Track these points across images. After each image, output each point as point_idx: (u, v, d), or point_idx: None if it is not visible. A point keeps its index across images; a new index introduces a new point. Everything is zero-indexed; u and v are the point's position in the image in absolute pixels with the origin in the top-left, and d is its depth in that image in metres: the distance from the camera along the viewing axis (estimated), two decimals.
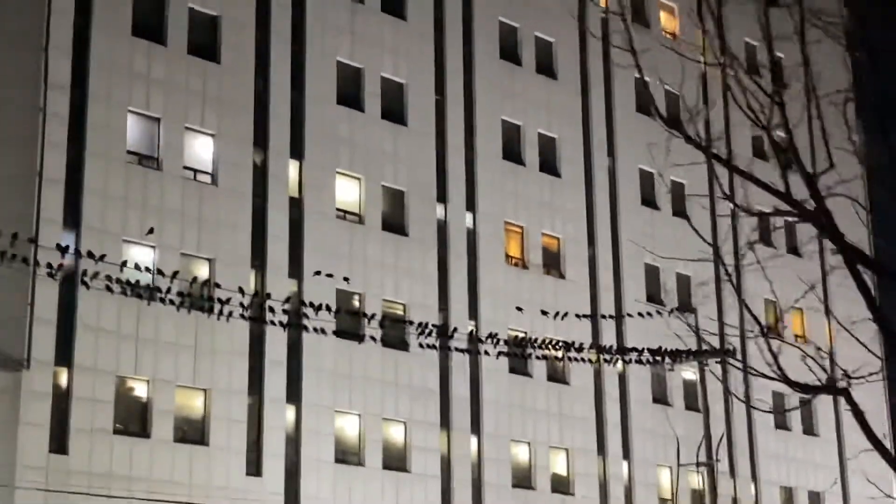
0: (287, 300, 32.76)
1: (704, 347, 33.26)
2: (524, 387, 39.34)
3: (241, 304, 29.94)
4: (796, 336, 49.50)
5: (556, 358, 27.03)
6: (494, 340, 26.51)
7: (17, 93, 30.33)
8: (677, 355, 30.93)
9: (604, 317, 40.03)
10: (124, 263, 27.71)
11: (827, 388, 15.61)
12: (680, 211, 46.45)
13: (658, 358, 29.86)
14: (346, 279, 31.21)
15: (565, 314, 26.79)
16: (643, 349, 24.34)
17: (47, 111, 30.23)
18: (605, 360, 30.25)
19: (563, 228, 42.08)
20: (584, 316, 37.30)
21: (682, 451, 32.82)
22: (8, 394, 28.50)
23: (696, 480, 43.64)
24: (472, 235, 39.32)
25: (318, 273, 28.66)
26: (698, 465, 31.94)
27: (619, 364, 42.28)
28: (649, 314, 25.02)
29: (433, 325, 21.37)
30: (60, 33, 30.89)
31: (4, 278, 26.30)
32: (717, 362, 33.99)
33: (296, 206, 34.93)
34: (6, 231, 23.47)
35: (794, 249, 50.37)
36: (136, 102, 32.20)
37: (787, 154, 14.65)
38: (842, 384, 15.20)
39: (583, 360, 25.13)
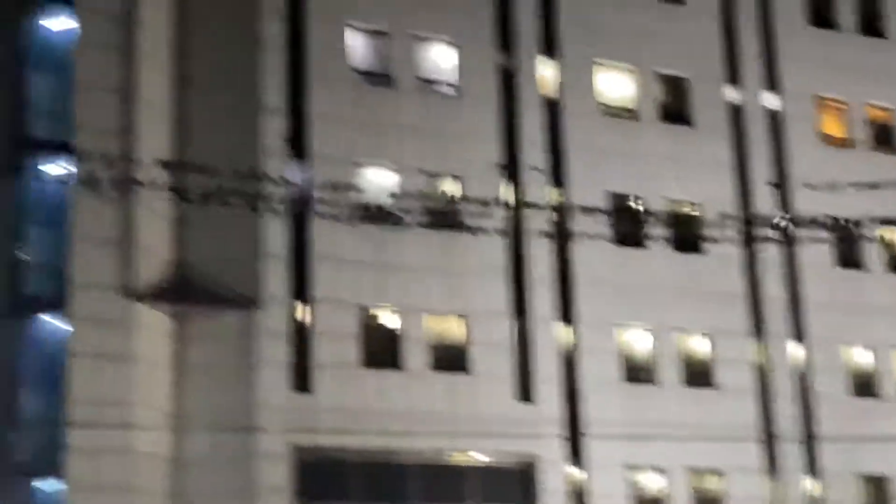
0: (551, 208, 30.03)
1: None
2: (857, 281, 34.32)
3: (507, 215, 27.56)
4: None
5: None
6: (816, 222, 22.63)
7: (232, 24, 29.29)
8: None
9: None
10: (361, 189, 25.70)
11: None
12: None
13: None
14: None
15: None
16: None
17: (263, 36, 28.93)
18: None
19: None
20: None
21: None
22: (243, 334, 27.51)
23: None
24: (774, 117, 34.65)
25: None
26: None
27: None
28: None
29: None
30: None
31: (229, 216, 25.24)
32: None
33: (550, 107, 31.87)
34: (230, 166, 22.31)
35: None
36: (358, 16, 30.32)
37: None
38: None
39: None
